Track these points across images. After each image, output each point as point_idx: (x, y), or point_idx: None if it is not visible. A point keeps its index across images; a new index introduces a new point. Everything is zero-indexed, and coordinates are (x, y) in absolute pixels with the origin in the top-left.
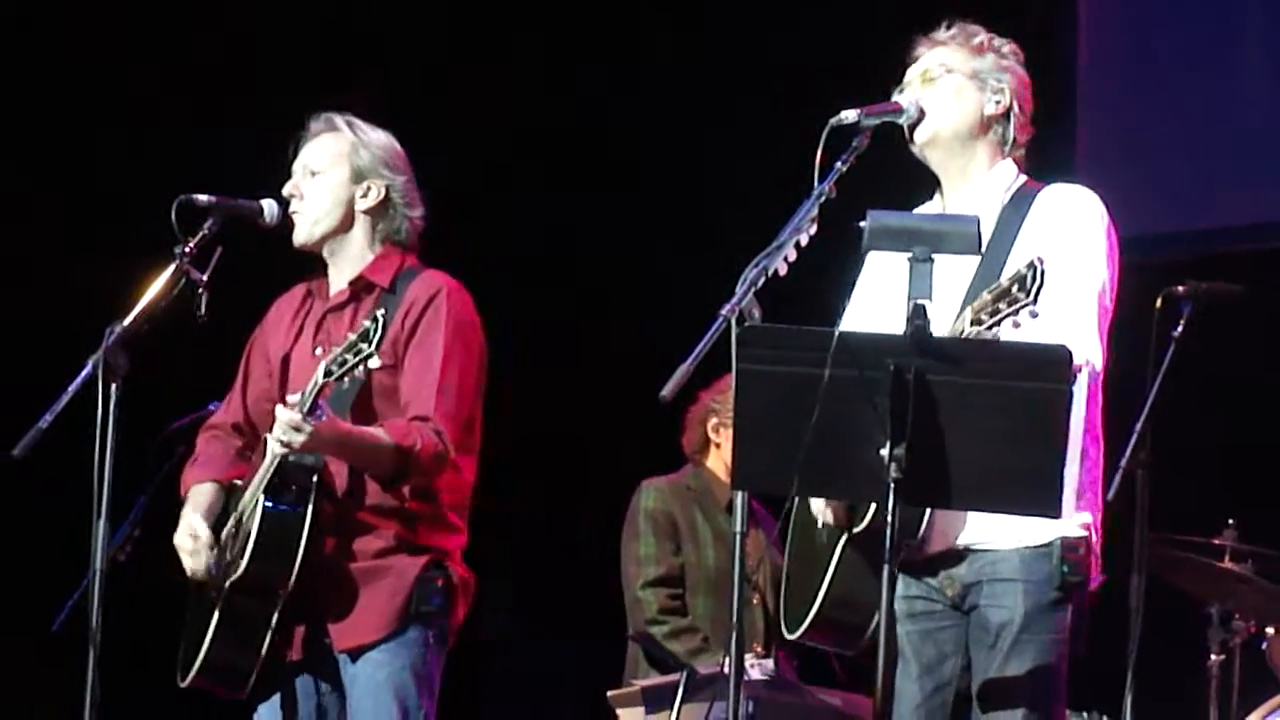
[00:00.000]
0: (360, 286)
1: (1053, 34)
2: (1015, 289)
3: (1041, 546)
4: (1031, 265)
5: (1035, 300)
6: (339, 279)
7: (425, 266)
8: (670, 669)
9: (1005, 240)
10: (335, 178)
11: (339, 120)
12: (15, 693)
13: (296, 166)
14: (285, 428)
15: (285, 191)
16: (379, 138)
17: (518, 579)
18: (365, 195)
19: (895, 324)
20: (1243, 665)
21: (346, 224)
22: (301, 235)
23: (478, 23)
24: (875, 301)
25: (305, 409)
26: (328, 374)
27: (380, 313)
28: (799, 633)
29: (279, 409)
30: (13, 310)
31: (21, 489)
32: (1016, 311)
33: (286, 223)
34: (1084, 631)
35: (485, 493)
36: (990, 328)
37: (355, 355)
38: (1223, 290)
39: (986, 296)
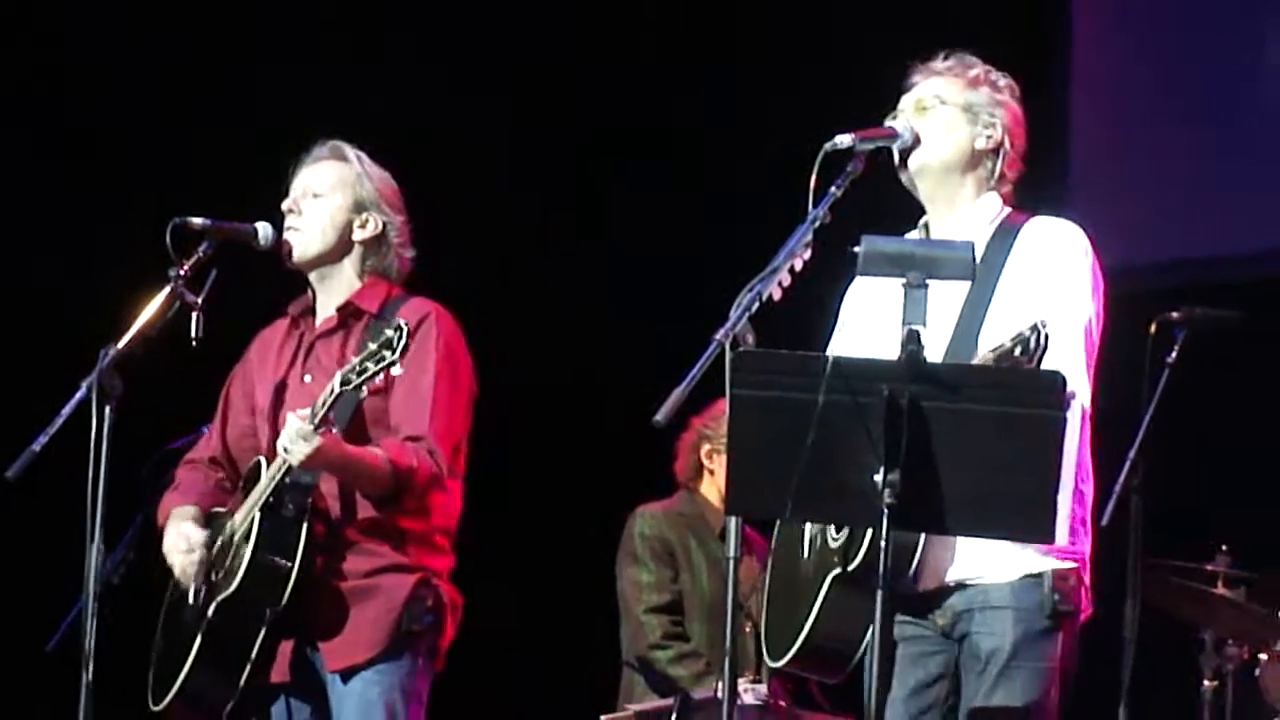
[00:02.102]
0: (348, 313)
1: (1045, 61)
2: (1018, 351)
3: (1032, 576)
4: (1035, 329)
5: (1039, 365)
6: (327, 305)
7: (411, 294)
8: (670, 694)
9: (992, 273)
10: (336, 202)
11: (347, 150)
12: (9, 714)
13: (296, 185)
14: (294, 436)
15: (284, 207)
16: (381, 173)
17: (507, 603)
18: (363, 226)
19: (885, 349)
20: (1236, 691)
21: (340, 250)
22: (296, 253)
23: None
24: (865, 327)
25: (317, 420)
26: (345, 382)
27: (403, 321)
28: (784, 661)
29: (290, 416)
30: (6, 332)
31: (16, 511)
32: None
33: (281, 246)
34: (1074, 662)
35: (476, 516)
36: None
37: (377, 363)
38: (1216, 317)
39: (989, 355)
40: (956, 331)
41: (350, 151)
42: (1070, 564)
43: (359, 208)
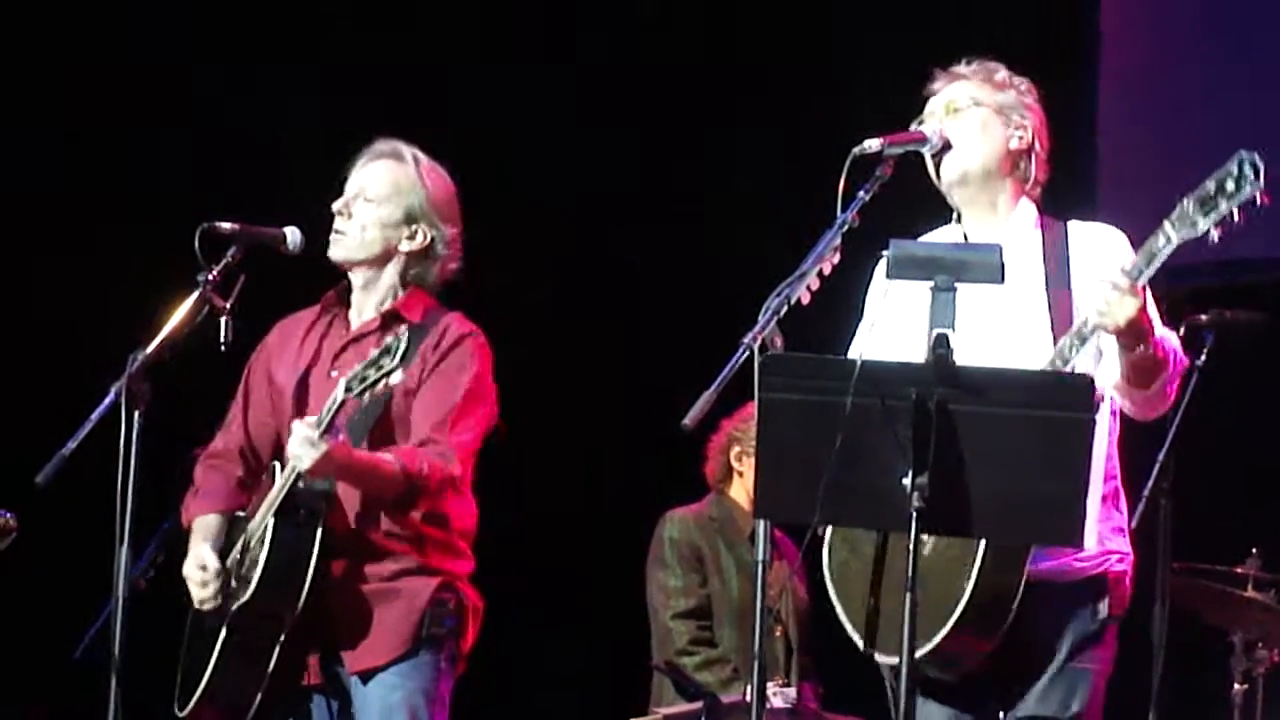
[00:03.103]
0: (391, 318)
1: (1073, 61)
2: (1231, 185)
3: (1088, 579)
4: (1240, 160)
5: (1255, 201)
6: (365, 306)
7: (450, 310)
8: (697, 699)
9: (1061, 277)
10: (387, 212)
11: (405, 152)
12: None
13: (351, 184)
14: (301, 442)
15: (335, 207)
16: (438, 179)
17: (538, 606)
18: (411, 238)
19: (913, 353)
20: (1266, 694)
21: (385, 258)
22: (339, 254)
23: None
24: (891, 330)
25: (323, 427)
26: (348, 389)
27: (403, 328)
28: (928, 647)
29: (296, 423)
30: (36, 338)
31: (45, 516)
32: (1239, 205)
33: (310, 250)
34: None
35: (507, 519)
36: (1208, 225)
37: (378, 371)
38: (1245, 319)
39: (1187, 204)
40: (1053, 326)
41: (409, 153)
42: (1122, 567)
43: (410, 219)
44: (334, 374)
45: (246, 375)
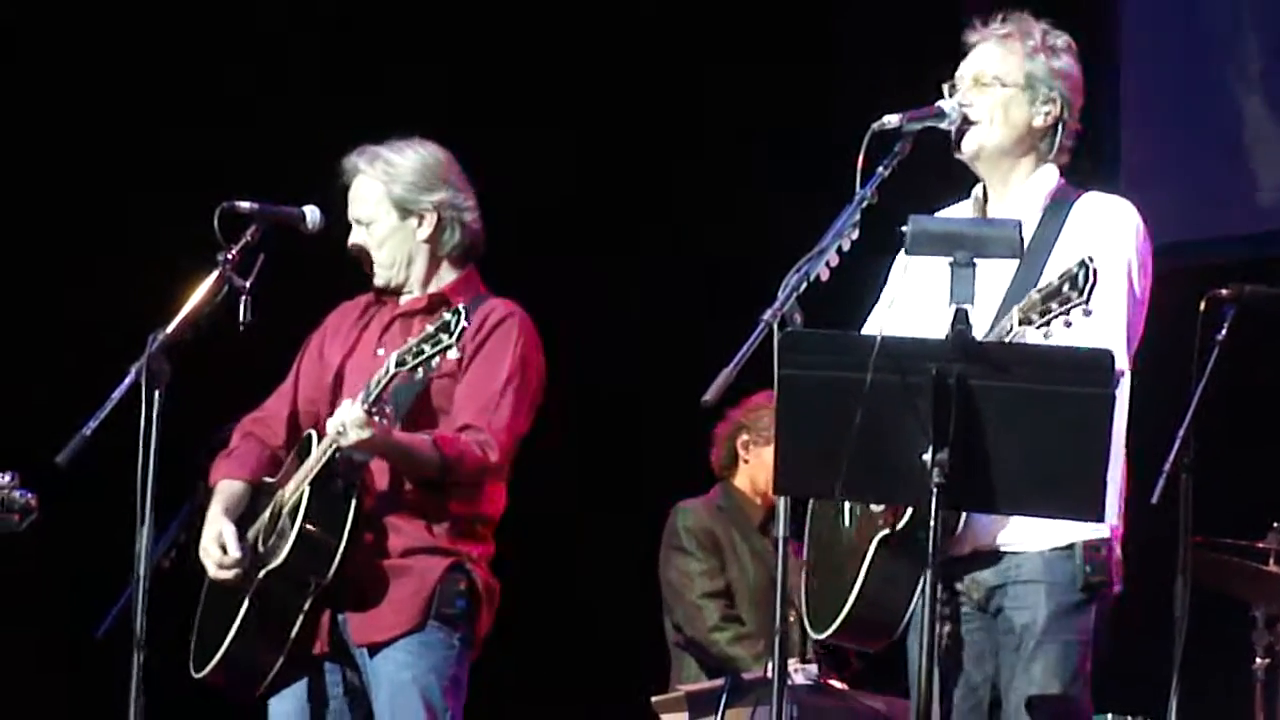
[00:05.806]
0: (439, 300)
1: (1095, 35)
2: (1066, 287)
3: (1063, 548)
4: (1083, 264)
5: (1089, 298)
6: (414, 288)
7: (495, 295)
8: (725, 675)
9: (1044, 246)
10: (385, 226)
11: (362, 162)
12: (60, 698)
13: (351, 215)
14: (347, 419)
15: (352, 253)
16: (408, 163)
17: (546, 589)
18: (420, 226)
19: (930, 328)
20: None
21: (412, 253)
22: (380, 282)
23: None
24: (913, 305)
25: (371, 399)
26: (400, 363)
27: (462, 306)
28: (829, 632)
29: (345, 402)
30: (56, 317)
31: (66, 496)
32: (1068, 310)
33: (329, 229)
34: (1105, 636)
35: (527, 503)
36: (1040, 327)
37: (434, 346)
38: (1266, 293)
39: (1035, 296)
40: (1003, 307)
41: (365, 160)
42: (1100, 535)
43: (405, 214)
44: (380, 351)
45: (303, 350)
